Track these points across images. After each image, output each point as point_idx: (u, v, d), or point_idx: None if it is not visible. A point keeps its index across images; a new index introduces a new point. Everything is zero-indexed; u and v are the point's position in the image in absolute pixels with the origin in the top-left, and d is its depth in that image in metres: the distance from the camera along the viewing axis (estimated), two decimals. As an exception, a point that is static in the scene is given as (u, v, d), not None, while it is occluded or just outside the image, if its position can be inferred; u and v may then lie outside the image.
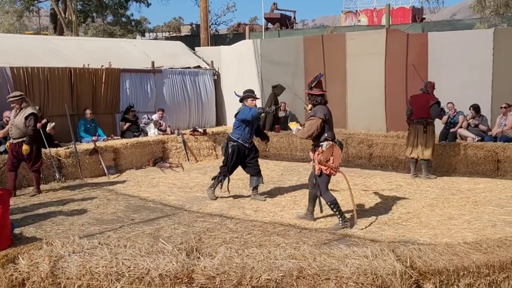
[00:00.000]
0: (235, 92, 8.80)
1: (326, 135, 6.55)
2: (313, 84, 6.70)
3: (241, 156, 8.26)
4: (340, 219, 6.63)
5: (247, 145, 8.26)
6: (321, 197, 6.72)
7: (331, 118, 6.68)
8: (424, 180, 9.69)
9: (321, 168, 6.54)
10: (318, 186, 6.66)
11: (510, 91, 11.33)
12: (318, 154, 6.54)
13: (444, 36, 12.61)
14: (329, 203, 6.64)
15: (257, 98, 8.50)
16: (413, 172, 10.03)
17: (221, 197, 8.47)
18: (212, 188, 8.45)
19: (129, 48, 15.31)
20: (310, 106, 6.77)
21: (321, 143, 6.55)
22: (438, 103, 9.78)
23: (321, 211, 6.90)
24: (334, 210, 6.64)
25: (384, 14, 20.49)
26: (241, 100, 8.38)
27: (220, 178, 8.37)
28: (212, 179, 8.55)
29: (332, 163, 6.51)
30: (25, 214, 7.55)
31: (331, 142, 6.54)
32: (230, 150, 8.21)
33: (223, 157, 8.46)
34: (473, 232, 6.38)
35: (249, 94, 8.34)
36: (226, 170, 8.30)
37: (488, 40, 11.49)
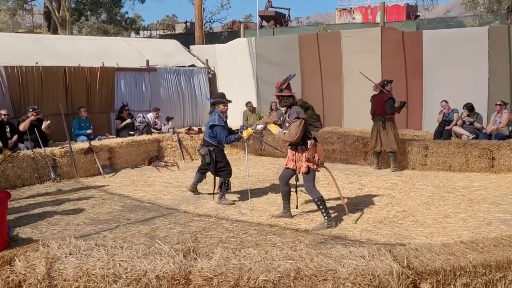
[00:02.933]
0: (206, 96, 8.71)
1: (307, 133, 6.65)
2: (284, 86, 6.72)
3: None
4: (326, 218, 6.65)
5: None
6: (298, 193, 7.03)
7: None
8: (419, 178, 9.73)
9: (308, 165, 6.59)
10: (304, 183, 6.73)
11: (507, 88, 11.38)
12: (303, 153, 6.60)
13: (439, 34, 12.65)
14: (316, 200, 6.67)
15: (230, 102, 8.18)
16: (377, 164, 10.76)
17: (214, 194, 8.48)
18: (223, 197, 8.15)
19: (124, 46, 15.27)
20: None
21: (306, 142, 6.62)
22: (392, 98, 10.49)
23: (297, 207, 7.15)
24: (321, 207, 6.66)
25: (379, 12, 20.52)
26: (213, 105, 8.17)
27: (225, 183, 8.14)
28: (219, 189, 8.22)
29: (318, 159, 6.60)
30: (20, 214, 7.51)
31: (313, 140, 6.65)
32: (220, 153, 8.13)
33: (212, 164, 8.10)
34: (468, 230, 6.40)
35: (220, 100, 8.09)
36: (228, 172, 8.16)
37: (483, 38, 11.53)
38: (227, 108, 8.13)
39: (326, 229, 6.55)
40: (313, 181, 6.71)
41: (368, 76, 11.20)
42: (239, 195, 8.57)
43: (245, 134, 7.66)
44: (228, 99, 8.22)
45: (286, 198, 7.12)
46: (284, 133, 6.74)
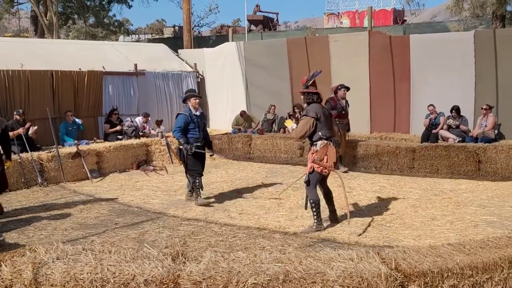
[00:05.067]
0: (180, 96, 8.99)
1: (320, 134, 6.50)
2: (310, 83, 6.69)
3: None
4: (316, 221, 6.60)
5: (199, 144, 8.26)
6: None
7: (326, 116, 6.63)
8: (407, 181, 9.79)
9: (313, 166, 6.53)
10: (306, 183, 6.65)
11: (493, 92, 11.48)
12: (312, 153, 6.53)
13: (426, 38, 12.75)
14: (311, 201, 6.61)
15: (200, 97, 8.42)
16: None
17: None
18: (198, 197, 8.25)
19: (112, 50, 15.20)
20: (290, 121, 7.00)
21: (315, 142, 6.53)
22: (327, 102, 10.53)
23: (306, 207, 6.88)
24: (314, 210, 6.60)
25: (366, 16, 20.67)
26: (184, 101, 8.42)
27: (195, 182, 8.24)
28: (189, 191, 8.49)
29: (326, 162, 6.50)
30: (7, 219, 7.43)
31: (325, 142, 6.51)
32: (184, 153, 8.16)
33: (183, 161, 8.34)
34: (455, 232, 6.46)
35: (190, 94, 8.34)
36: (196, 172, 8.27)
37: (469, 42, 11.63)
38: (197, 101, 8.26)
39: (315, 232, 6.54)
40: (316, 182, 6.64)
41: (357, 79, 11.25)
42: (228, 199, 8.57)
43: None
44: (199, 95, 8.54)
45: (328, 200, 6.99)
46: (293, 129, 6.76)
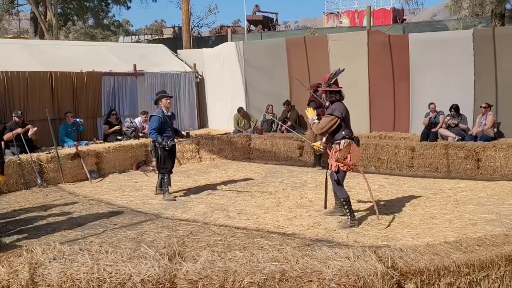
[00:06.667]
0: (148, 96, 9.37)
1: (343, 133, 6.61)
2: (332, 81, 6.75)
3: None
4: (349, 217, 6.70)
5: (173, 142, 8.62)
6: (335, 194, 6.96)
7: (348, 115, 6.76)
8: (406, 180, 9.78)
9: (338, 165, 6.60)
10: (334, 181, 6.77)
11: (492, 91, 11.47)
12: (336, 152, 6.60)
13: (425, 37, 12.74)
14: (342, 199, 6.74)
15: (171, 97, 8.76)
16: (318, 164, 11.27)
17: (202, 198, 8.47)
18: (166, 193, 8.69)
19: (111, 51, 15.21)
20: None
21: (338, 141, 6.61)
22: (313, 101, 10.80)
23: (325, 207, 7.23)
24: (346, 207, 6.71)
25: (365, 16, 20.65)
26: (156, 102, 8.72)
27: (164, 179, 8.72)
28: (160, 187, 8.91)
29: (349, 161, 6.59)
30: (6, 220, 7.43)
31: (348, 141, 6.61)
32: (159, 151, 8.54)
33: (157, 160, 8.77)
34: (454, 231, 6.45)
35: (162, 95, 8.67)
36: (167, 170, 8.69)
37: (468, 40, 11.62)
38: (169, 102, 8.61)
39: (349, 228, 6.61)
40: (342, 180, 6.75)
41: (356, 79, 11.23)
42: (227, 198, 8.57)
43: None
44: (169, 95, 8.84)
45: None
46: (314, 123, 6.86)
